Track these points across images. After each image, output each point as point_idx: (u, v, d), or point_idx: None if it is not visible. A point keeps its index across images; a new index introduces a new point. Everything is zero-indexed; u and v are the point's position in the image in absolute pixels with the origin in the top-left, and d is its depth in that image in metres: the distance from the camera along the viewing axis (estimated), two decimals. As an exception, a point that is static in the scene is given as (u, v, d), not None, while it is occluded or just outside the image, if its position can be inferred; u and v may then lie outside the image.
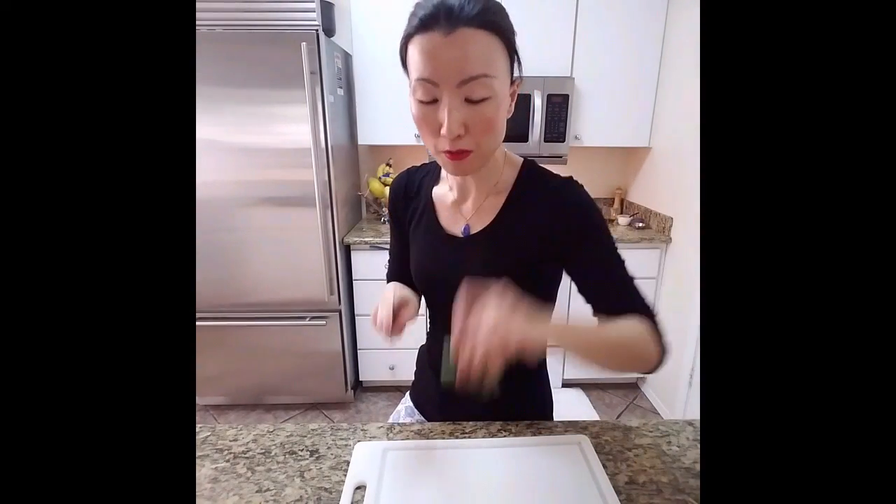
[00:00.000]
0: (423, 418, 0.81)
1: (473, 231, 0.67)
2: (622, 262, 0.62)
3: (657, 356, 0.58)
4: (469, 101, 0.52)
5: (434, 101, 0.53)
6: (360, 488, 0.56)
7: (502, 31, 0.52)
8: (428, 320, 0.81)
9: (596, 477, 0.57)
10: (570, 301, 1.74)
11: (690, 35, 1.85)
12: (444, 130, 0.52)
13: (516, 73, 0.58)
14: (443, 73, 0.50)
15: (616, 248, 0.62)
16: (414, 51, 0.51)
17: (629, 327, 0.57)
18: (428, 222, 0.71)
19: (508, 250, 0.64)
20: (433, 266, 0.70)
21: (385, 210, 2.31)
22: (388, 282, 0.85)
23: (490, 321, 0.47)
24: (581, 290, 0.63)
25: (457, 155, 0.55)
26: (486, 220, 0.66)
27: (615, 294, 0.61)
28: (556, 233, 0.61)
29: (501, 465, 0.59)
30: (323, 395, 2.18)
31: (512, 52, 0.55)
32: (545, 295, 0.69)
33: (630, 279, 0.61)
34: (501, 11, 0.53)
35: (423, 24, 0.50)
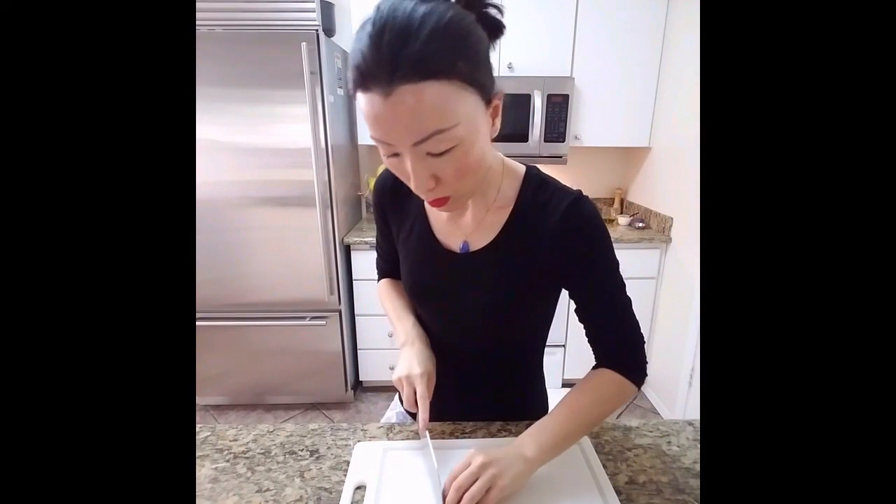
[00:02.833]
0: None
1: (473, 248, 0.62)
2: (622, 286, 0.61)
3: (633, 391, 0.62)
4: (431, 155, 0.46)
5: (397, 155, 0.48)
6: (360, 488, 0.56)
7: (453, 70, 0.43)
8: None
9: (596, 477, 0.57)
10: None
11: (690, 35, 1.85)
12: (412, 186, 0.49)
13: (494, 90, 0.50)
14: (393, 137, 0.45)
15: (618, 271, 0.61)
16: (361, 104, 0.45)
17: (600, 394, 0.61)
18: (421, 232, 0.66)
19: (511, 270, 0.60)
20: (429, 282, 0.66)
21: (385, 210, 2.30)
22: (379, 277, 0.82)
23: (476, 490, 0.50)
24: (577, 311, 0.64)
25: (436, 201, 0.52)
26: (488, 238, 0.61)
27: (609, 322, 0.62)
28: (562, 253, 0.58)
29: None
30: (323, 395, 2.18)
31: (475, 82, 0.46)
32: (543, 311, 0.68)
33: (626, 304, 0.62)
34: (455, 34, 0.43)
35: (359, 82, 0.44)
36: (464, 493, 0.50)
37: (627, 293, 0.62)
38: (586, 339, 0.65)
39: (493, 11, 0.50)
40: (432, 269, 0.65)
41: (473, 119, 0.47)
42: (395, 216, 0.70)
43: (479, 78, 0.46)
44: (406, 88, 0.41)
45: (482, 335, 0.66)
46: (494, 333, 0.66)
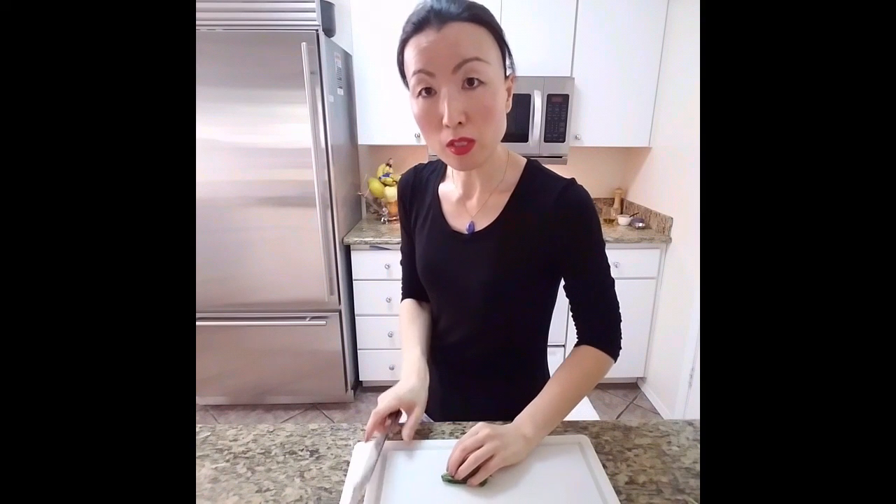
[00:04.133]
0: (428, 418, 0.81)
1: (478, 228, 0.68)
2: (608, 267, 0.68)
3: (610, 364, 0.69)
4: (465, 88, 0.55)
5: (433, 95, 0.56)
6: None
7: (490, 24, 0.56)
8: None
9: (596, 476, 0.57)
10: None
11: (690, 35, 1.85)
12: (445, 119, 0.55)
13: (509, 70, 0.61)
14: (438, 62, 0.54)
15: (605, 254, 0.67)
16: (410, 51, 0.56)
17: (584, 369, 0.68)
18: (434, 218, 0.73)
19: (512, 248, 0.66)
20: (438, 261, 0.72)
21: (385, 210, 2.30)
22: (402, 297, 0.84)
23: (479, 455, 0.55)
24: (566, 288, 0.70)
25: (461, 147, 0.57)
26: (491, 218, 0.68)
27: (593, 301, 0.69)
28: (556, 231, 0.64)
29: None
30: (323, 395, 2.19)
31: (502, 45, 0.58)
32: (541, 297, 0.72)
33: (609, 285, 0.68)
34: (487, 11, 0.57)
35: (416, 27, 0.54)
36: (468, 455, 0.55)
37: (612, 275, 0.69)
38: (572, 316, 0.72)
39: None
40: (441, 249, 0.72)
41: (499, 72, 0.58)
42: (415, 206, 0.77)
43: (504, 43, 0.59)
44: (455, 24, 0.53)
45: (485, 317, 0.71)
46: (496, 315, 0.70)
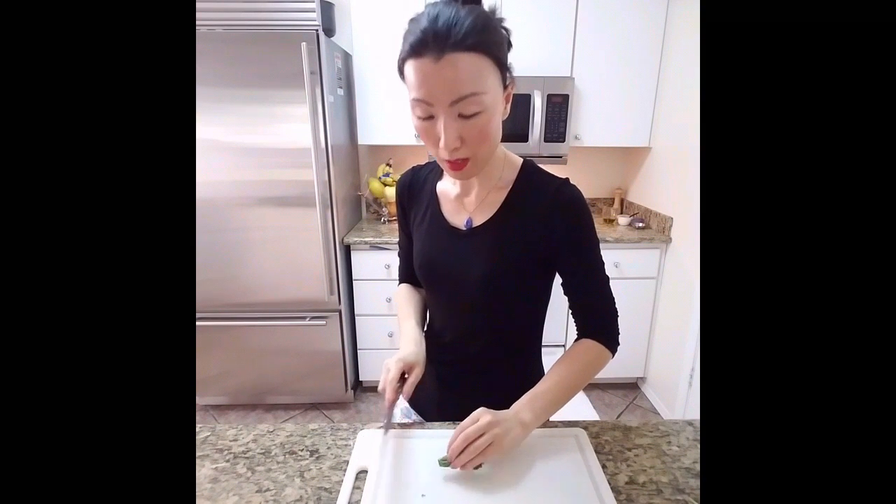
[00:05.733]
0: (420, 418, 0.81)
1: (476, 224, 0.70)
2: (602, 263, 0.70)
3: (609, 357, 0.70)
4: (462, 116, 0.55)
5: (431, 118, 0.57)
6: (363, 472, 0.58)
7: (489, 49, 0.55)
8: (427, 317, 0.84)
9: (593, 476, 0.57)
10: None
11: (691, 35, 1.85)
12: (441, 144, 0.57)
13: (509, 79, 0.61)
14: (436, 95, 0.54)
15: (599, 249, 0.69)
16: (409, 72, 0.55)
17: (584, 361, 0.68)
18: (432, 215, 0.74)
19: (509, 243, 0.68)
20: (436, 257, 0.73)
21: (385, 210, 2.30)
22: (399, 281, 0.88)
23: (479, 444, 0.56)
24: (563, 285, 0.71)
25: (456, 164, 0.59)
26: (488, 214, 0.69)
27: (590, 296, 0.70)
28: (551, 228, 0.66)
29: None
30: (323, 395, 2.18)
31: (501, 65, 0.58)
32: (536, 292, 0.74)
33: (605, 281, 0.70)
34: (488, 27, 0.55)
35: (413, 50, 0.53)
36: (468, 444, 0.56)
37: (607, 273, 0.70)
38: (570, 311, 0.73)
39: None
40: (440, 245, 0.73)
41: (496, 94, 0.58)
42: (413, 206, 0.79)
43: (503, 62, 0.58)
44: (454, 56, 0.52)
45: (481, 311, 0.72)
46: (493, 309, 0.71)
